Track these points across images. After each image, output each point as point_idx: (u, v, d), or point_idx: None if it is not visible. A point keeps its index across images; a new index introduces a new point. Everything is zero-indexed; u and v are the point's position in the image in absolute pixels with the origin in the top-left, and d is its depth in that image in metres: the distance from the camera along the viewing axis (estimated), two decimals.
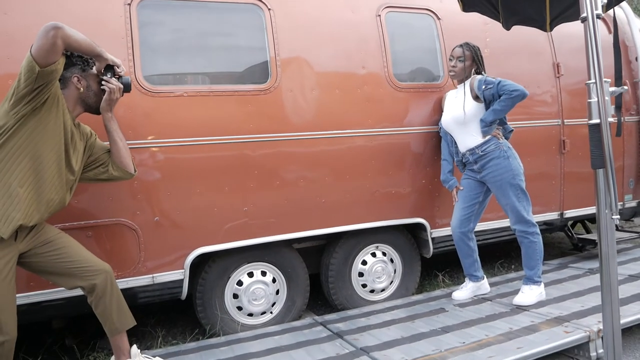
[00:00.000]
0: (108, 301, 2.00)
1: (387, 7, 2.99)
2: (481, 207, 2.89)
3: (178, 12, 2.56)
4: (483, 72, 2.78)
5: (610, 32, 3.69)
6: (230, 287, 2.71)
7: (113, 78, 1.99)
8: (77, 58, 1.94)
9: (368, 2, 2.96)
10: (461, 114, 2.75)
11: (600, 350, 2.25)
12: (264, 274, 2.78)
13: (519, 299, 2.76)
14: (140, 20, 2.44)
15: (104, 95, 1.99)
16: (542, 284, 2.82)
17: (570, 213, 3.53)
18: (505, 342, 2.26)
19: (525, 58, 3.36)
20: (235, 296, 2.72)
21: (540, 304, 2.73)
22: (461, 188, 2.90)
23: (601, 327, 2.29)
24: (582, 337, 2.26)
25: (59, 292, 2.24)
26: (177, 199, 2.47)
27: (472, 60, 2.76)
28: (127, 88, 2.05)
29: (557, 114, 3.43)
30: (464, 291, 2.97)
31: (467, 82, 2.78)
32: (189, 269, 2.52)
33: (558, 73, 3.43)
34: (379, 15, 2.95)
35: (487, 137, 2.73)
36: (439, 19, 3.12)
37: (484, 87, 2.67)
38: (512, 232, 3.36)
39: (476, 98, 2.73)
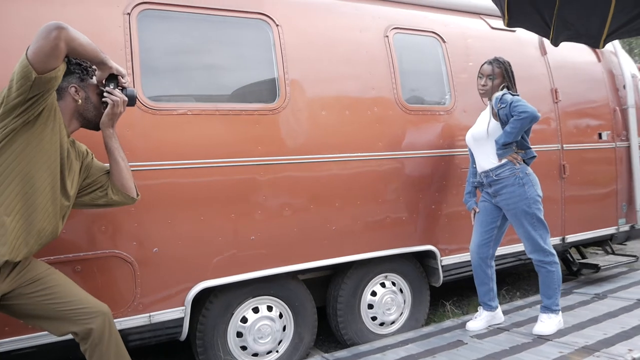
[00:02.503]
0: (105, 349, 1.69)
1: (395, 28, 2.92)
2: (500, 232, 2.76)
3: (181, 24, 2.37)
4: (512, 89, 2.62)
5: (599, 61, 3.80)
6: (234, 324, 2.44)
7: (116, 89, 1.76)
8: (76, 65, 1.69)
9: (376, 23, 2.88)
10: (483, 131, 2.64)
11: None
12: (269, 309, 2.53)
13: (539, 329, 2.64)
14: (140, 31, 2.23)
15: (104, 108, 1.75)
16: (560, 313, 2.71)
17: (571, 238, 3.50)
18: None
19: (524, 83, 3.34)
20: (240, 334, 2.45)
21: (560, 333, 2.62)
22: (477, 210, 2.79)
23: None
24: None
25: (41, 337, 1.92)
26: (179, 228, 2.22)
27: (503, 77, 2.62)
28: (131, 101, 1.81)
29: (556, 139, 3.44)
30: (479, 321, 2.82)
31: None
32: (190, 306, 2.25)
33: (556, 99, 3.46)
34: (387, 36, 2.88)
35: (503, 161, 2.60)
36: (444, 42, 3.08)
37: (498, 105, 2.55)
38: (513, 260, 3.32)
39: (496, 116, 2.61)
